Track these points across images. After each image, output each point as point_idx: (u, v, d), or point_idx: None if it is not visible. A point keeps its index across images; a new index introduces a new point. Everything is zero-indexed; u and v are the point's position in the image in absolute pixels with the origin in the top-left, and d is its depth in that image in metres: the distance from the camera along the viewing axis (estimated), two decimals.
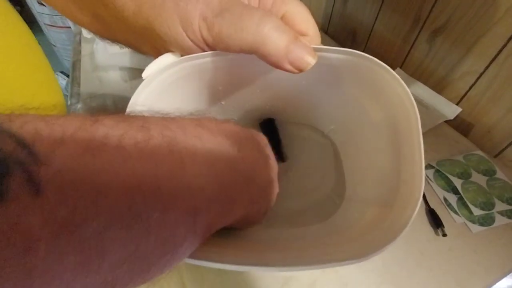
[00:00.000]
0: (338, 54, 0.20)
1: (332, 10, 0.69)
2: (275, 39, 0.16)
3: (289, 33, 0.17)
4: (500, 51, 0.39)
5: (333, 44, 0.67)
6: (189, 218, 0.12)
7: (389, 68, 0.20)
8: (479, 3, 0.39)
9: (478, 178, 0.35)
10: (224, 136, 0.15)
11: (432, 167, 0.36)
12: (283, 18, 0.19)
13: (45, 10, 1.28)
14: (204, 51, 0.18)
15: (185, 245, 0.12)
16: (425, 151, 0.39)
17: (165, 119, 0.13)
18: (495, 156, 0.42)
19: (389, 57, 0.56)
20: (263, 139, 0.19)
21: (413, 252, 0.29)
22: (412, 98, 0.18)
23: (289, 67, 0.17)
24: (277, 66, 0.17)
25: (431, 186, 0.35)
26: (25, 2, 1.32)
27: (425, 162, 0.37)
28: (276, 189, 0.19)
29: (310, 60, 0.17)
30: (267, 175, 0.17)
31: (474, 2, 0.40)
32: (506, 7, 0.37)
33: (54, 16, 1.29)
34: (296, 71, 0.17)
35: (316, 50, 0.18)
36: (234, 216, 0.15)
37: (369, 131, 0.22)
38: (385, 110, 0.20)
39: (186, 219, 0.11)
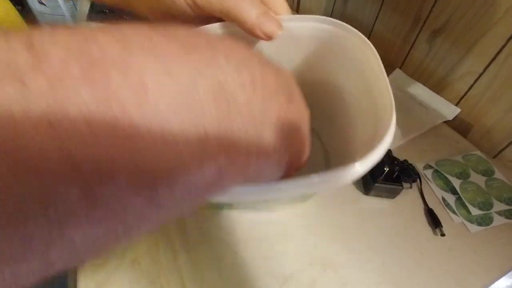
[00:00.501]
0: (304, 21, 0.24)
1: (332, 10, 0.69)
2: (248, 9, 0.20)
3: (260, 7, 0.21)
4: (499, 51, 0.39)
5: None
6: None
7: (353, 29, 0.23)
8: (479, 3, 0.40)
9: (477, 178, 0.35)
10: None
11: (431, 167, 0.37)
12: None
13: (46, 9, 1.28)
14: (193, 12, 0.22)
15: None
16: (424, 151, 0.40)
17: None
18: (494, 157, 0.42)
19: (389, 57, 0.56)
20: (287, 71, 0.15)
21: (412, 252, 0.30)
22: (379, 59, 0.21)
23: (260, 33, 0.21)
24: (250, 32, 0.21)
25: (429, 186, 0.35)
26: (26, 1, 1.32)
27: (424, 162, 0.37)
28: (304, 139, 0.15)
29: (276, 29, 0.21)
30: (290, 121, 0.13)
31: (474, 3, 0.40)
32: (506, 7, 0.37)
33: (55, 15, 1.29)
34: (265, 37, 0.21)
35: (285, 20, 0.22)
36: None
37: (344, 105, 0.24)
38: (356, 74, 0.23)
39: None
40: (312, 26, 0.24)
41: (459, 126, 0.45)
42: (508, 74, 0.39)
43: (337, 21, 0.23)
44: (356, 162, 0.15)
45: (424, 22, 0.48)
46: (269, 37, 0.21)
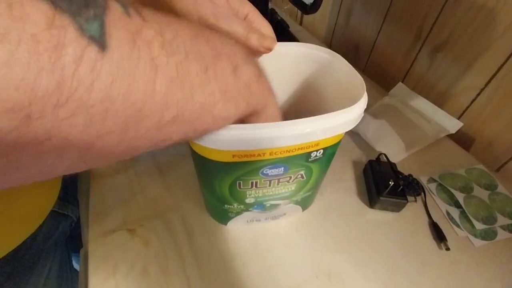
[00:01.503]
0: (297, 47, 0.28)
1: (335, 24, 0.71)
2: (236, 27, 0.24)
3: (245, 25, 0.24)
4: (500, 67, 0.40)
5: None
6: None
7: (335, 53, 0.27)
8: (479, 20, 0.41)
9: (480, 192, 0.35)
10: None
11: (435, 180, 0.37)
12: (246, 19, 0.25)
13: None
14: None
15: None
16: (428, 164, 0.40)
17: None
18: (497, 170, 0.43)
19: (391, 71, 0.58)
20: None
21: (416, 265, 0.30)
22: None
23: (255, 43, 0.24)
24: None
25: (433, 199, 0.36)
26: None
27: (428, 175, 0.38)
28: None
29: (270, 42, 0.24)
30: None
31: (474, 20, 0.42)
32: (505, 25, 0.39)
33: None
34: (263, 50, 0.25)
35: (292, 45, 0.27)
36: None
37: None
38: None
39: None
40: (312, 52, 0.28)
41: (461, 139, 0.46)
42: (508, 89, 0.40)
43: (329, 50, 0.27)
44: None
45: (426, 38, 0.49)
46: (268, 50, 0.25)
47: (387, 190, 0.32)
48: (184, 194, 0.35)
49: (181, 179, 0.36)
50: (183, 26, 0.13)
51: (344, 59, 0.26)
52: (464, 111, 0.46)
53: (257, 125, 0.19)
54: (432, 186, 0.37)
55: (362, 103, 0.22)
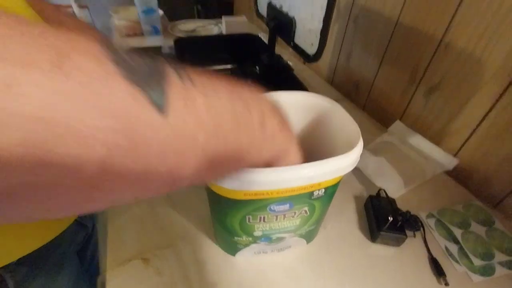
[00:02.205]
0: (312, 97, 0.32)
1: (336, 64, 0.77)
2: None
3: None
4: (490, 109, 0.43)
5: (338, 95, 0.73)
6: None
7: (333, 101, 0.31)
8: (468, 66, 0.45)
9: (477, 228, 0.37)
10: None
11: (433, 216, 0.39)
12: None
13: None
14: None
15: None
16: (426, 200, 0.42)
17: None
18: (495, 207, 0.45)
19: (389, 109, 0.62)
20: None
21: None
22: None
23: None
24: None
25: (432, 234, 0.37)
26: None
27: (427, 211, 0.40)
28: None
29: None
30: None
31: (464, 66, 0.46)
32: (492, 72, 0.42)
33: None
34: None
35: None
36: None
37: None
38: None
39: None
40: (314, 100, 0.32)
41: (458, 175, 0.48)
42: (500, 129, 0.43)
43: (329, 99, 0.31)
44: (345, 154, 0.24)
45: (420, 80, 0.54)
46: None
47: (386, 225, 0.34)
48: (194, 225, 0.37)
49: (192, 210, 0.39)
50: (222, 84, 0.17)
51: (342, 108, 0.30)
52: (459, 149, 0.49)
53: (266, 169, 0.22)
54: (431, 222, 0.38)
55: (358, 149, 0.25)
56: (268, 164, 0.22)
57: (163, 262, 0.33)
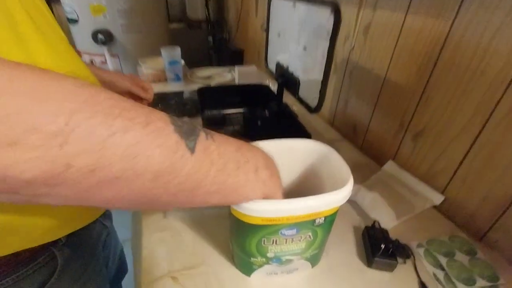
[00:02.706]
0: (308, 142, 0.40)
1: (336, 109, 0.87)
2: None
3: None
4: (467, 152, 0.51)
5: (338, 135, 0.82)
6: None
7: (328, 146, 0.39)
8: (446, 115, 0.54)
9: (461, 257, 0.42)
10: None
11: (422, 246, 0.45)
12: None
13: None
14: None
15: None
16: (416, 231, 0.48)
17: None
18: (480, 240, 0.50)
19: (383, 150, 0.70)
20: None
21: None
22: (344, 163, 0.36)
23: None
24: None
25: (422, 262, 0.42)
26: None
27: (417, 241, 0.46)
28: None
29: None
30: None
31: (443, 115, 0.54)
32: (466, 120, 0.51)
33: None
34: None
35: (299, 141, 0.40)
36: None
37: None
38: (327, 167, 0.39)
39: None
40: (313, 146, 0.40)
41: (446, 210, 0.54)
42: (477, 170, 0.50)
43: (326, 145, 0.39)
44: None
45: (408, 126, 0.62)
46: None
47: (380, 252, 0.40)
48: (215, 249, 0.43)
49: (213, 236, 0.45)
50: (230, 142, 0.27)
51: (336, 152, 0.38)
52: (446, 187, 0.56)
53: (279, 200, 0.29)
54: (421, 250, 0.44)
55: (349, 186, 0.32)
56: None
57: (189, 282, 0.38)
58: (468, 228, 0.51)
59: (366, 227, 0.46)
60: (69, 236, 0.39)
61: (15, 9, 0.28)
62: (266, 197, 0.29)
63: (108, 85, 0.57)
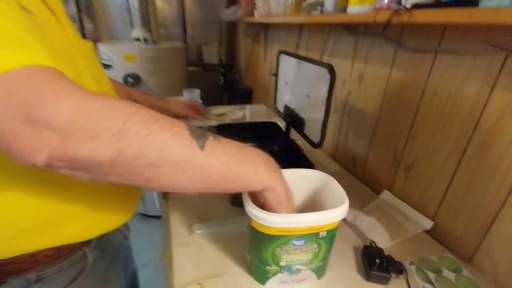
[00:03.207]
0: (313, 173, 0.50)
1: (337, 144, 0.97)
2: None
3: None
4: (450, 182, 0.59)
5: (339, 168, 0.91)
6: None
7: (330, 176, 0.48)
8: (429, 151, 0.63)
9: (448, 274, 0.48)
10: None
11: (414, 263, 0.51)
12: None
13: None
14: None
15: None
16: (410, 251, 0.55)
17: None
18: (469, 261, 0.56)
19: (380, 181, 0.78)
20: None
21: None
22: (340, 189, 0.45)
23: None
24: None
25: (413, 277, 0.49)
26: None
27: (409, 260, 0.52)
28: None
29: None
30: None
31: (427, 150, 0.64)
32: (447, 154, 0.59)
33: None
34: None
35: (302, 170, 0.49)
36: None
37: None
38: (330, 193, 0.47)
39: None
40: (317, 175, 0.49)
41: (437, 234, 0.61)
42: (460, 198, 0.57)
43: (326, 174, 0.48)
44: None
45: (400, 159, 0.71)
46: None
47: (376, 266, 0.47)
48: (234, 260, 0.50)
49: (232, 250, 0.52)
50: (233, 143, 0.35)
51: (335, 180, 0.46)
52: (436, 213, 0.63)
53: (291, 215, 0.38)
54: (413, 268, 0.50)
55: (345, 206, 0.40)
56: (262, 193, 0.38)
57: (213, 287, 0.45)
58: (458, 250, 0.57)
59: (365, 246, 0.53)
60: (98, 239, 0.48)
61: (76, 54, 0.41)
62: (265, 189, 0.37)
63: (167, 112, 0.73)
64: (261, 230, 0.40)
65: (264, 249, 0.42)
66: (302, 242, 0.41)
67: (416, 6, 0.46)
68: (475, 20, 0.40)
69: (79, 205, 0.42)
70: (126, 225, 0.60)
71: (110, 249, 0.52)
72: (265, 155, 0.39)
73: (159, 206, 1.83)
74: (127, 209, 0.52)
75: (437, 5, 0.44)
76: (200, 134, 0.32)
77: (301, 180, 0.49)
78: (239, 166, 0.34)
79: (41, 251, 0.41)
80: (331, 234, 0.42)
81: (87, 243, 0.46)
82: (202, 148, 0.31)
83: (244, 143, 0.37)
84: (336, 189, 0.45)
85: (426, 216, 0.63)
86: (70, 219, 0.42)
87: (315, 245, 0.42)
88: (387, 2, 0.54)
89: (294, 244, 0.41)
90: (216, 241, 0.55)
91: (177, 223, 0.59)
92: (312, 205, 0.50)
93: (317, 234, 0.41)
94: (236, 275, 0.48)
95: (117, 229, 0.55)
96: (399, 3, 0.52)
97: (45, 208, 0.39)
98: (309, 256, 0.43)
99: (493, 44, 0.47)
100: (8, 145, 0.25)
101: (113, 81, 0.73)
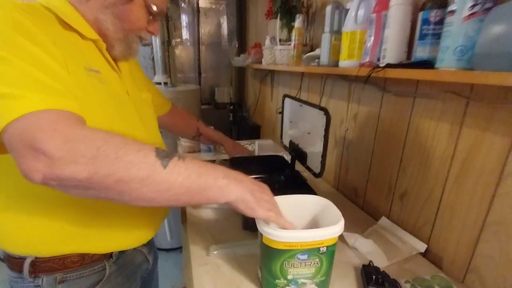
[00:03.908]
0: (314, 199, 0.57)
1: (339, 175, 1.06)
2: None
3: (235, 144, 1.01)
4: (438, 209, 0.67)
5: (342, 198, 0.99)
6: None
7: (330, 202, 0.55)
8: (419, 180, 0.71)
9: None
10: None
11: (409, 281, 0.57)
12: None
13: None
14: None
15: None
16: (405, 271, 0.62)
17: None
18: (462, 281, 0.61)
19: (379, 209, 0.85)
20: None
21: None
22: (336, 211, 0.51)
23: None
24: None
25: None
26: None
27: (405, 278, 0.58)
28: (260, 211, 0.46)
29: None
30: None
31: (416, 181, 0.72)
32: (431, 184, 0.68)
33: None
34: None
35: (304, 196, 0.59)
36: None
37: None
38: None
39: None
40: (317, 200, 0.57)
41: (432, 257, 0.66)
42: (448, 222, 0.64)
43: (325, 199, 0.56)
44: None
45: (394, 189, 0.80)
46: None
47: (372, 282, 0.53)
48: (246, 277, 0.57)
49: (244, 269, 0.59)
50: (196, 162, 0.42)
51: (333, 204, 0.55)
52: (430, 237, 0.69)
53: (297, 230, 0.46)
54: (408, 285, 0.56)
55: (340, 224, 0.48)
56: (234, 205, 0.45)
57: None
58: (452, 272, 0.62)
59: (363, 265, 0.59)
60: (118, 256, 0.56)
61: (130, 104, 0.55)
62: (232, 202, 0.44)
63: (215, 142, 1.04)
64: (271, 245, 0.48)
65: (273, 263, 0.49)
66: (305, 257, 0.49)
67: (388, 66, 0.58)
68: (431, 78, 0.52)
69: (104, 219, 0.52)
70: (149, 247, 0.68)
71: (127, 267, 0.60)
72: (228, 170, 0.45)
73: (170, 239, 1.88)
74: (148, 229, 0.61)
75: (403, 65, 0.57)
76: (165, 155, 0.39)
77: (303, 205, 0.58)
78: (200, 179, 0.41)
79: (68, 256, 0.51)
80: (331, 250, 0.50)
81: (108, 257, 0.55)
82: (165, 166, 0.38)
83: (249, 175, 0.47)
84: (333, 212, 0.54)
85: (421, 239, 0.69)
86: (95, 232, 0.52)
87: (317, 260, 0.50)
88: (369, 59, 0.67)
89: (299, 258, 0.49)
90: (230, 261, 0.62)
91: (195, 246, 0.67)
92: (314, 226, 0.58)
93: (318, 249, 0.49)
94: None
95: (138, 250, 0.63)
96: (378, 60, 0.66)
97: (77, 218, 0.50)
98: (313, 270, 0.50)
99: (455, 92, 0.59)
100: (19, 165, 0.35)
101: (186, 115, 0.97)
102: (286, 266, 0.49)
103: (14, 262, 0.51)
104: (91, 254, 0.52)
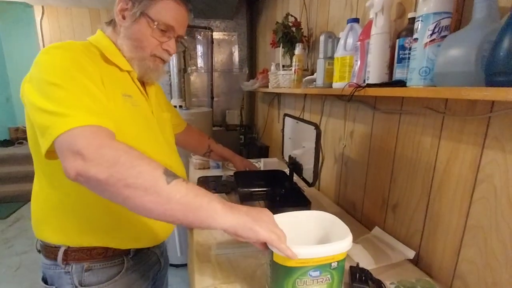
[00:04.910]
0: (318, 213, 0.61)
1: (339, 190, 1.11)
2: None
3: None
4: (425, 218, 0.70)
5: (341, 211, 1.03)
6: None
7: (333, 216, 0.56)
8: (408, 192, 0.76)
9: None
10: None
11: (394, 283, 0.60)
12: None
13: None
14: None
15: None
16: (393, 275, 0.67)
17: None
18: (450, 287, 0.63)
19: (374, 220, 0.89)
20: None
21: None
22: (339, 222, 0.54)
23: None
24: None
25: None
26: None
27: (391, 280, 0.62)
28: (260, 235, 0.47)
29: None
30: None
31: (405, 192, 0.77)
32: (418, 194, 0.72)
33: None
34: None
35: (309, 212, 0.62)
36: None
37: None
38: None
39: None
40: (324, 216, 0.60)
41: (423, 264, 0.69)
42: (434, 230, 0.67)
43: (330, 214, 0.60)
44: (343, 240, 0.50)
45: (387, 201, 0.84)
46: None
47: (356, 280, 0.57)
48: (244, 273, 0.62)
49: (244, 266, 0.65)
50: (197, 187, 0.48)
51: (340, 220, 0.58)
52: (420, 245, 0.72)
53: (307, 246, 0.49)
54: (392, 286, 0.59)
55: (349, 238, 0.50)
56: (232, 232, 0.47)
57: None
58: (440, 278, 0.65)
59: (350, 266, 0.63)
60: (135, 253, 0.64)
61: (155, 123, 0.66)
62: (227, 229, 0.46)
63: (225, 159, 1.14)
64: (283, 263, 0.48)
65: (285, 281, 0.49)
66: (317, 273, 0.49)
67: (368, 85, 0.67)
68: (401, 94, 0.60)
69: (125, 220, 0.61)
70: (161, 250, 0.75)
71: (142, 265, 0.68)
72: (225, 200, 0.48)
73: (180, 255, 1.92)
74: (161, 232, 0.69)
75: (381, 85, 0.65)
76: (171, 174, 0.45)
77: (314, 220, 0.60)
78: (196, 198, 0.45)
79: (95, 248, 0.60)
80: (341, 265, 0.50)
81: (126, 253, 0.63)
82: (168, 182, 0.44)
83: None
84: (340, 226, 0.55)
85: (412, 248, 0.72)
86: (118, 230, 0.61)
87: (329, 276, 0.49)
88: (356, 80, 0.76)
89: (311, 275, 0.48)
90: (230, 259, 0.68)
91: (199, 246, 0.74)
92: (321, 242, 0.59)
93: (330, 264, 0.49)
94: (244, 283, 0.60)
95: (152, 251, 0.71)
96: (364, 81, 0.74)
97: (104, 217, 0.60)
98: (324, 286, 0.50)
99: (432, 108, 0.66)
100: (62, 164, 0.45)
101: (199, 133, 1.10)
102: (299, 284, 0.49)
103: (50, 251, 0.60)
104: (113, 248, 0.61)
